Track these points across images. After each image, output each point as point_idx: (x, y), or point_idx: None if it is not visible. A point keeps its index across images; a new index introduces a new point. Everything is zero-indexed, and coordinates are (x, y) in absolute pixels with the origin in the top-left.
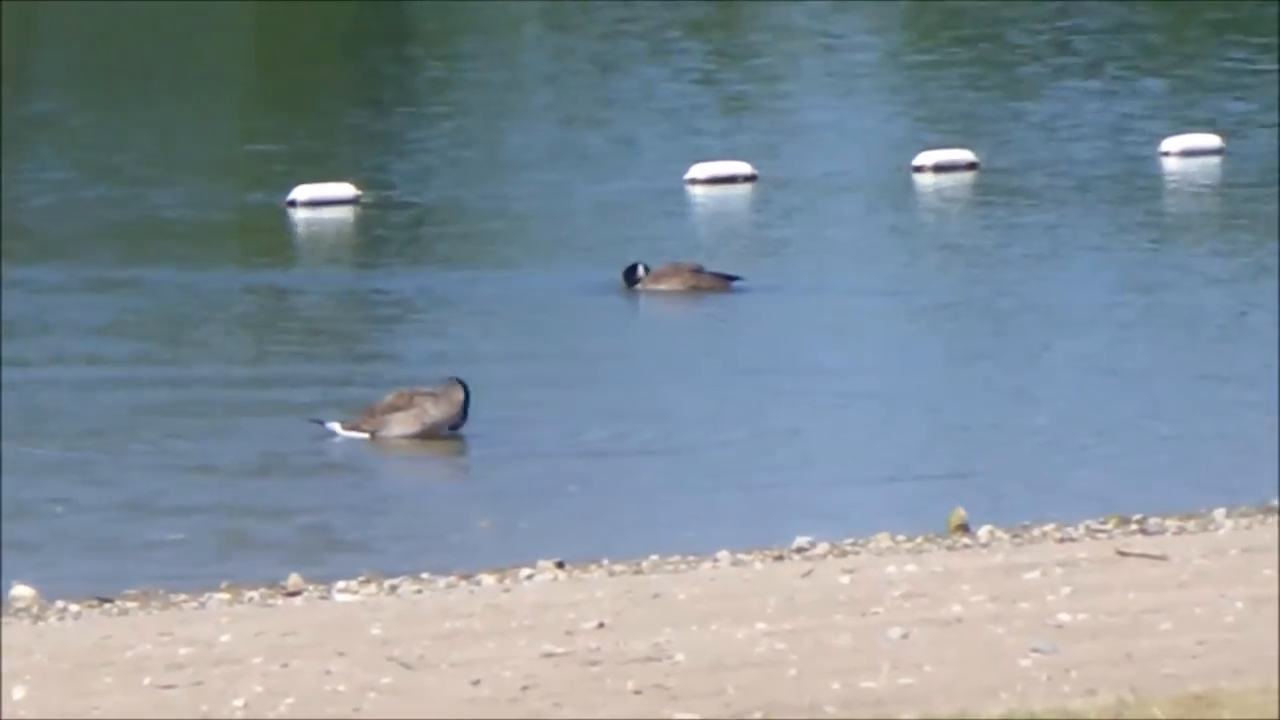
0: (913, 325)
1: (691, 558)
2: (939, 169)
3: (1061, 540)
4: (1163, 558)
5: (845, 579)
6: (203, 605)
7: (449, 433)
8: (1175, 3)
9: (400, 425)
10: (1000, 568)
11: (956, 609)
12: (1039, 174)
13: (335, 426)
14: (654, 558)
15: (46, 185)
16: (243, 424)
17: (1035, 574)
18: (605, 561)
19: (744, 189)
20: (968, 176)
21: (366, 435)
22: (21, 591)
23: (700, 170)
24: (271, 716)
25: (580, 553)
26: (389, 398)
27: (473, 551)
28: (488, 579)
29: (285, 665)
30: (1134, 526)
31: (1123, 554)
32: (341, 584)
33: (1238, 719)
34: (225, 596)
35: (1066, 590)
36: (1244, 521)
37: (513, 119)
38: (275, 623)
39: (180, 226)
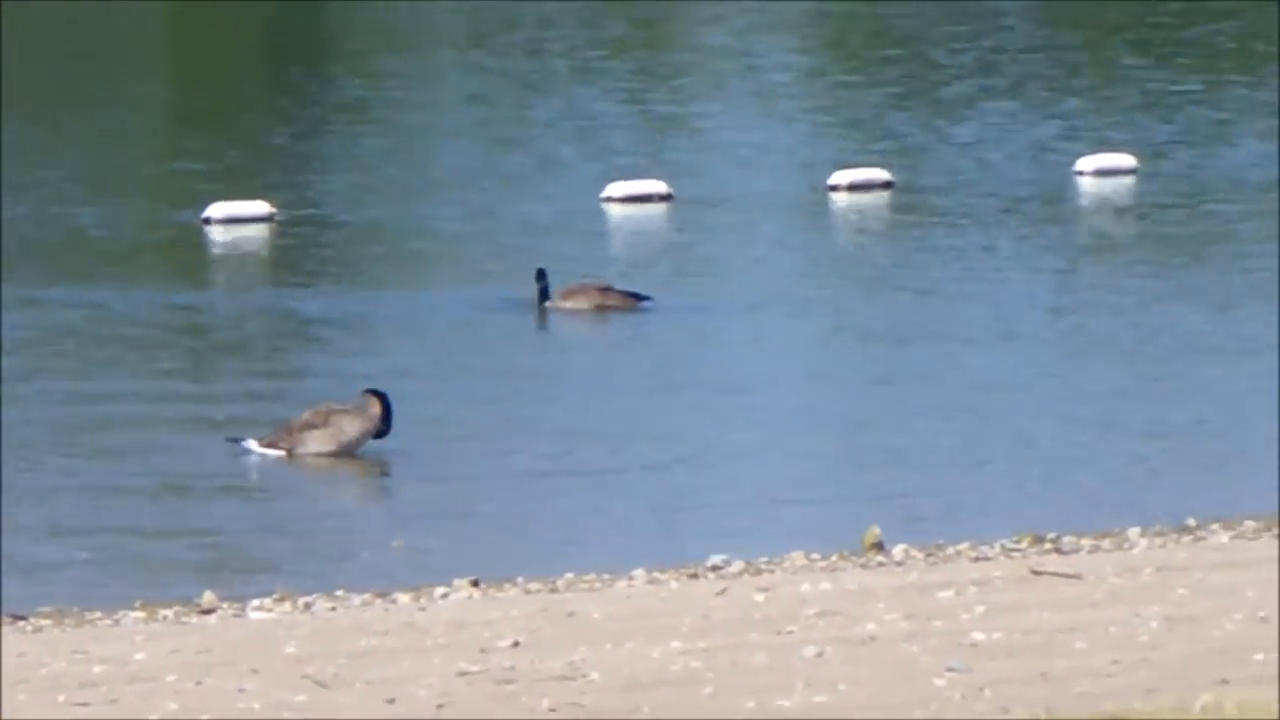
0: (826, 344)
1: (607, 576)
2: (854, 188)
3: (976, 559)
4: (1077, 576)
5: (760, 597)
6: (117, 623)
7: (375, 439)
8: (1098, 24)
9: (317, 443)
10: (915, 586)
11: (871, 627)
12: (954, 193)
13: (252, 444)
14: (569, 576)
15: None
16: (158, 442)
17: (950, 593)
18: (520, 580)
19: (660, 208)
20: (883, 196)
21: (283, 453)
22: None
23: (616, 189)
24: None
25: (495, 571)
26: (306, 415)
27: (388, 570)
28: (403, 597)
29: (200, 683)
30: (1048, 545)
31: (1037, 573)
32: (256, 602)
33: None
34: (140, 614)
35: (981, 609)
36: (1158, 540)
37: (432, 138)
38: (190, 640)
39: (95, 244)
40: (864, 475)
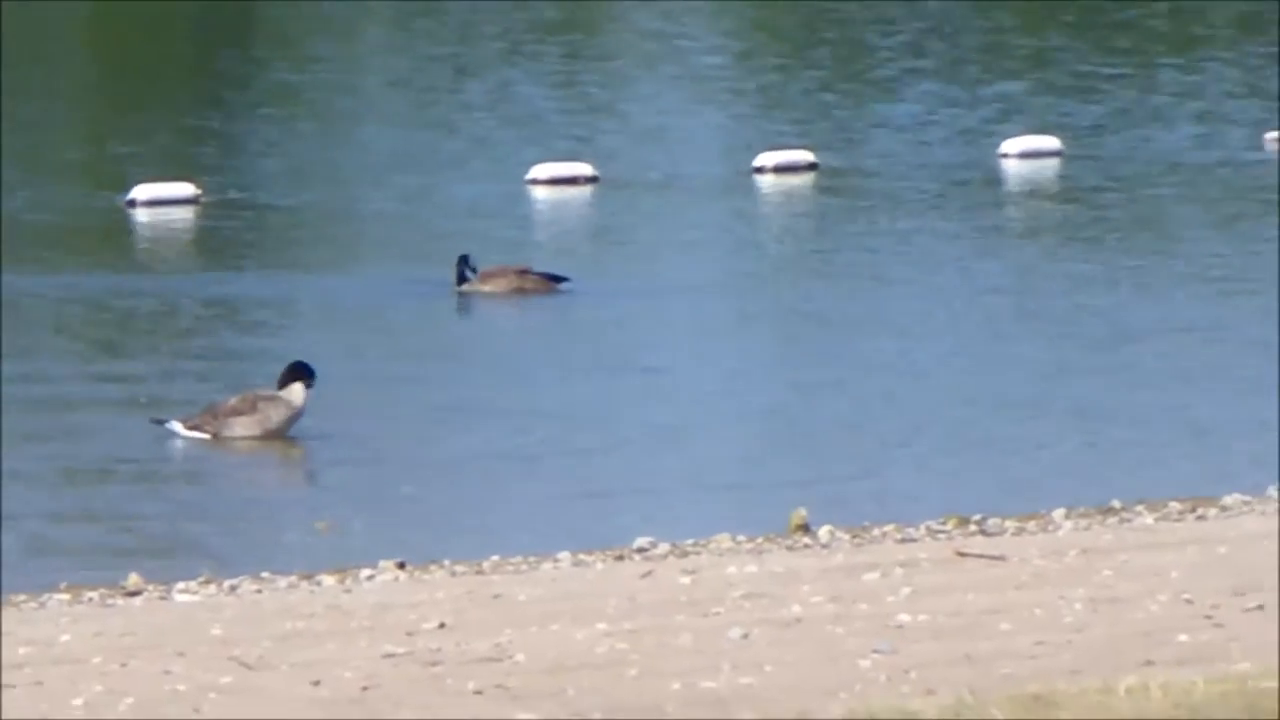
0: (750, 327)
1: (532, 558)
2: (779, 170)
3: (901, 541)
4: (1002, 558)
5: (686, 579)
6: (42, 605)
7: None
8: (1031, 7)
9: (243, 428)
10: (840, 568)
11: (797, 609)
12: (879, 175)
13: (177, 425)
14: (495, 558)
15: None
16: (83, 424)
17: (875, 574)
18: (446, 562)
19: (585, 190)
20: (807, 177)
21: (208, 436)
22: None
23: (541, 171)
24: (111, 717)
25: (421, 553)
26: (232, 401)
27: (313, 552)
28: (328, 579)
29: (125, 665)
30: (973, 527)
31: (962, 555)
32: (182, 584)
33: (1075, 719)
34: (65, 597)
35: (906, 591)
36: (1083, 522)
37: (360, 121)
38: (115, 623)
39: (18, 226)
40: (790, 458)
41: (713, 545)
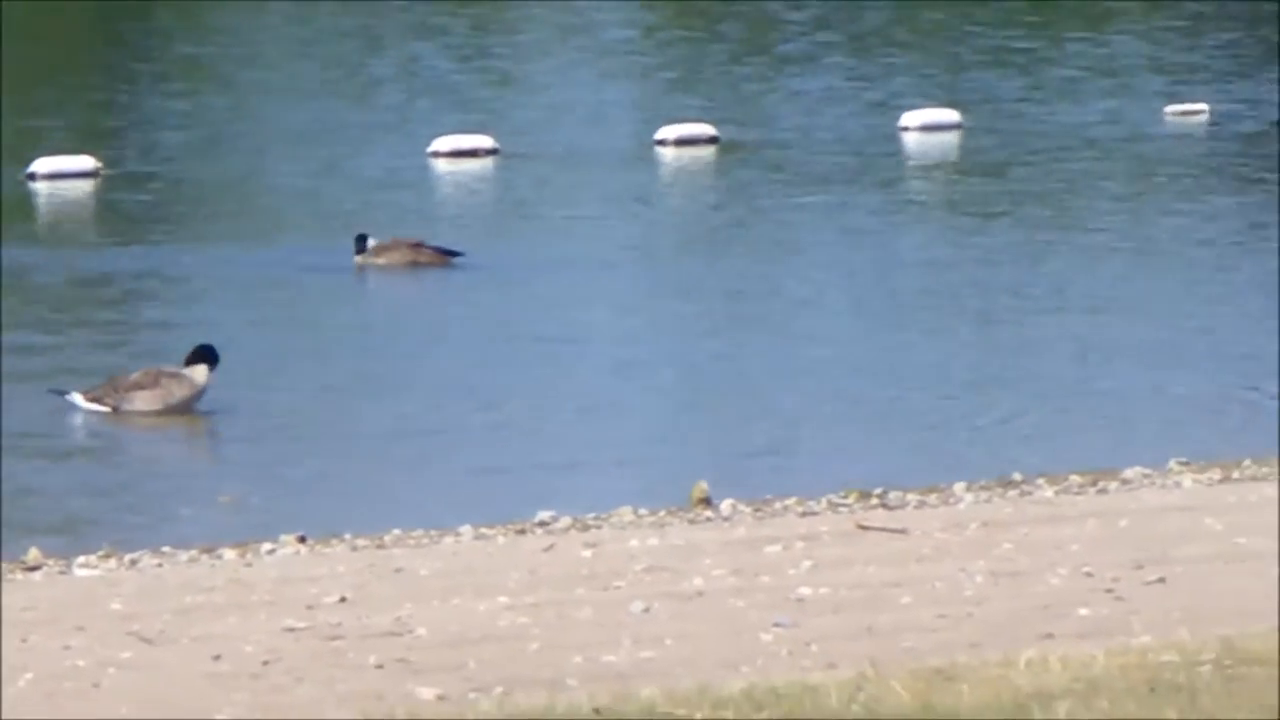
0: (649, 299)
1: (434, 532)
2: (680, 143)
3: (803, 514)
4: (903, 531)
5: (587, 553)
6: None
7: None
8: None
9: (144, 402)
10: (742, 541)
11: (698, 583)
12: (780, 148)
13: (77, 397)
14: (396, 532)
15: None
16: None
17: (777, 548)
18: (347, 536)
19: (486, 163)
20: (708, 151)
21: (109, 409)
22: None
23: (442, 144)
24: (10, 691)
25: (322, 527)
26: (135, 375)
27: (214, 526)
28: (229, 553)
29: (24, 640)
30: (875, 500)
31: (863, 528)
32: (81, 559)
33: (976, 692)
34: None
35: (808, 564)
36: (983, 495)
37: (265, 94)
38: (14, 598)
39: None
40: (691, 431)
41: (614, 519)
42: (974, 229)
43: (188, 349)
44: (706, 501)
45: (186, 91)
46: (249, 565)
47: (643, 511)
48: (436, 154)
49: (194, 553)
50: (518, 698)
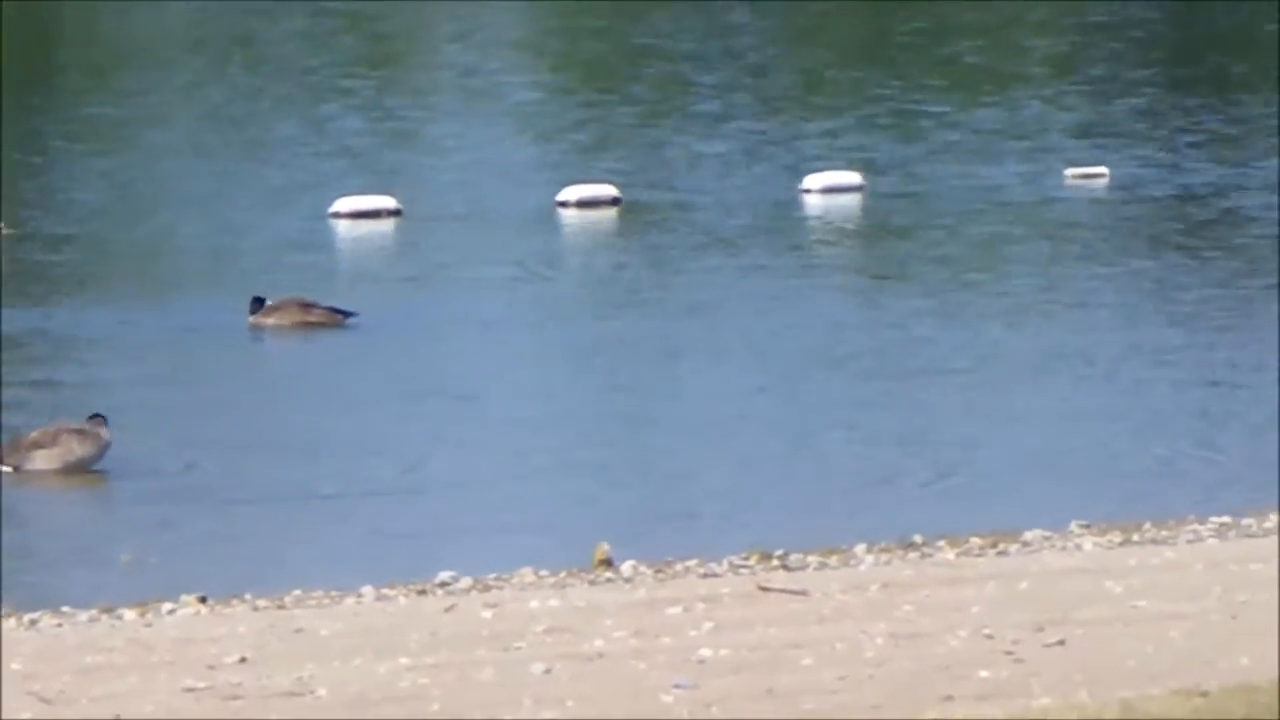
0: (547, 360)
1: (335, 593)
2: (582, 204)
3: (704, 575)
4: (803, 593)
5: (488, 614)
6: None
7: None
8: (852, 44)
9: (44, 461)
10: (643, 603)
11: (599, 644)
12: (682, 209)
13: None
14: (297, 593)
15: None
16: None
17: (678, 609)
18: (248, 596)
19: (387, 223)
20: (610, 212)
21: (9, 469)
22: None
23: (344, 205)
24: None
25: (223, 587)
26: (34, 434)
27: (115, 586)
28: (129, 613)
29: None
30: (775, 562)
31: (764, 589)
32: None
33: None
34: None
35: (709, 625)
36: (884, 557)
37: (169, 155)
38: None
39: None
40: (593, 492)
41: (515, 579)
42: (875, 290)
43: (86, 409)
44: (608, 563)
45: (93, 153)
46: (149, 625)
47: (544, 572)
48: (338, 215)
49: (94, 613)
50: None
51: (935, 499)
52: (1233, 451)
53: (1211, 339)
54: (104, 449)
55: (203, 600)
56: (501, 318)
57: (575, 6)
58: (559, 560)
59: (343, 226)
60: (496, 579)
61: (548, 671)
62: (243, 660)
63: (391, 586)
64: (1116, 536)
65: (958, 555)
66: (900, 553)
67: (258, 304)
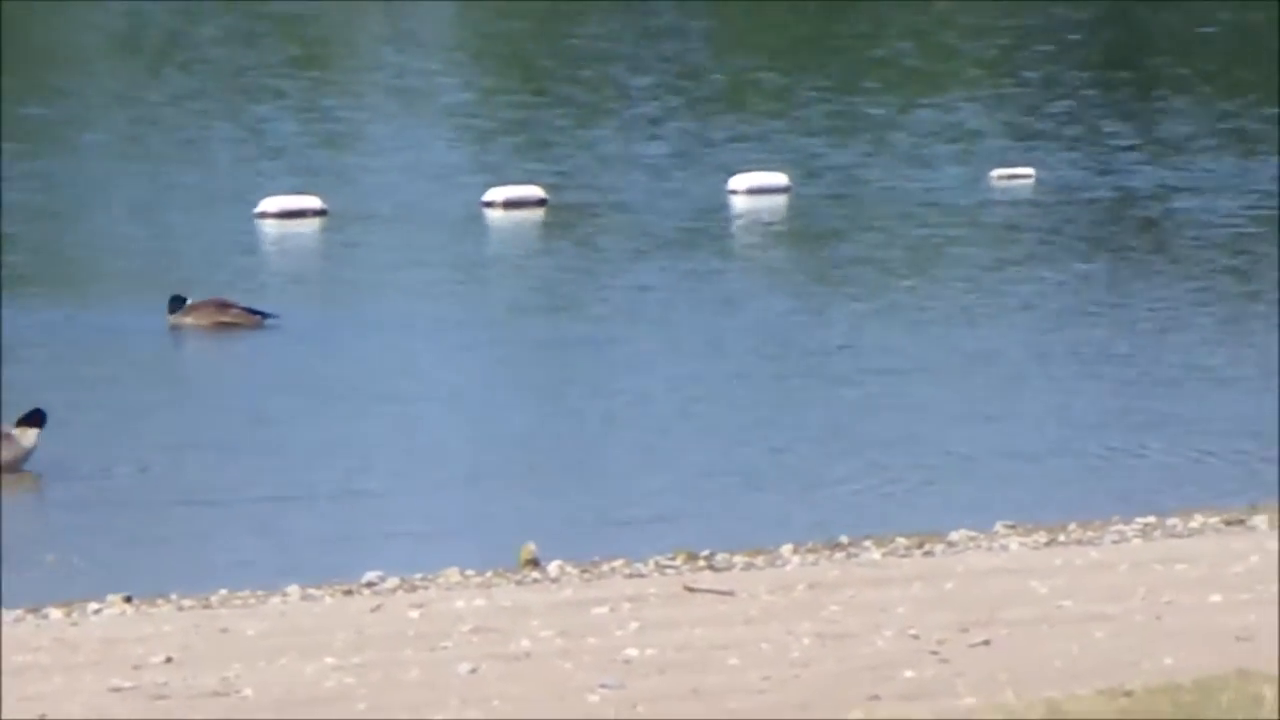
0: (473, 360)
1: (260, 592)
2: (509, 205)
3: (630, 576)
4: (730, 593)
5: (414, 614)
6: None
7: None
8: (795, 49)
9: None
10: (570, 603)
11: (525, 644)
12: (608, 211)
13: None
14: (223, 592)
15: None
16: None
17: (604, 609)
18: (173, 596)
19: (313, 223)
20: (537, 213)
21: None
22: None
23: (270, 205)
24: None
25: (148, 587)
26: None
27: (40, 586)
28: (55, 613)
29: None
30: (702, 562)
31: (691, 589)
32: None
33: None
34: None
35: (635, 625)
36: (810, 557)
37: (99, 157)
38: None
39: None
40: (519, 492)
41: (441, 579)
42: (802, 291)
43: (10, 411)
44: (534, 563)
45: (24, 154)
46: (75, 625)
47: (470, 572)
48: (264, 215)
49: (19, 613)
50: None
51: (862, 499)
52: (1158, 452)
53: (1137, 340)
54: (29, 454)
55: (128, 600)
56: (424, 318)
57: (507, 8)
58: (485, 560)
59: (269, 227)
60: (423, 579)
61: (474, 671)
62: (168, 660)
63: (317, 587)
64: (1042, 537)
65: (884, 555)
66: (827, 553)
67: (177, 302)
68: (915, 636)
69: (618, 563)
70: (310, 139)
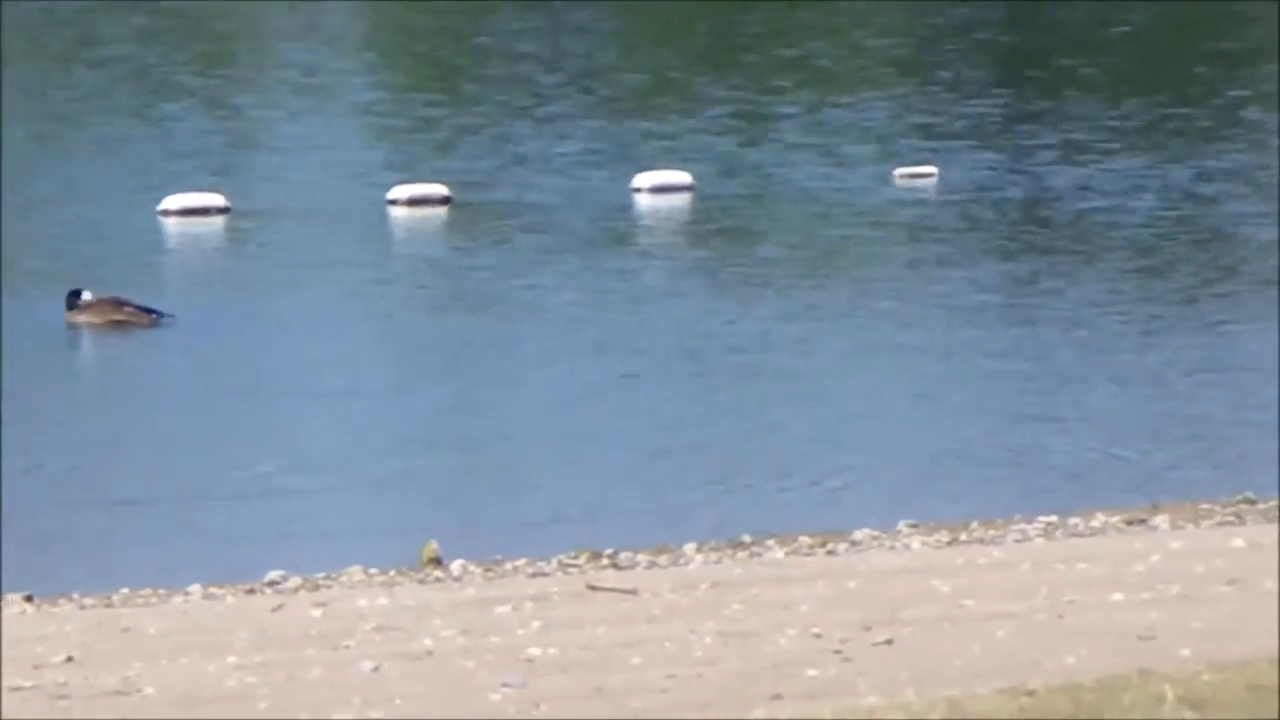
0: (373, 358)
1: (162, 591)
2: (413, 203)
3: (533, 574)
4: (633, 592)
5: (317, 612)
6: None
7: None
8: (707, 48)
9: None
10: (472, 602)
11: (428, 643)
12: (516, 209)
13: None
14: (125, 591)
15: None
16: None
17: (507, 608)
18: (75, 595)
19: (216, 221)
20: (441, 211)
21: None
22: None
23: (172, 202)
24: None
25: (49, 586)
26: None
27: None
28: None
29: None
30: (605, 561)
31: (593, 588)
32: None
33: None
34: None
35: (537, 624)
36: (714, 556)
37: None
38: None
39: None
40: (421, 490)
41: (344, 578)
42: (705, 290)
43: None
44: (437, 561)
45: None
46: None
47: (373, 571)
48: (166, 212)
49: None
50: None
51: (765, 498)
52: (1060, 452)
53: (1040, 339)
54: None
55: (29, 599)
56: (324, 315)
57: (416, 5)
58: (388, 559)
59: (171, 224)
60: (325, 578)
61: (376, 670)
62: (69, 659)
63: (220, 586)
64: (944, 536)
65: (787, 554)
66: (730, 552)
67: (74, 297)
68: (818, 635)
69: (520, 561)
70: (218, 137)
